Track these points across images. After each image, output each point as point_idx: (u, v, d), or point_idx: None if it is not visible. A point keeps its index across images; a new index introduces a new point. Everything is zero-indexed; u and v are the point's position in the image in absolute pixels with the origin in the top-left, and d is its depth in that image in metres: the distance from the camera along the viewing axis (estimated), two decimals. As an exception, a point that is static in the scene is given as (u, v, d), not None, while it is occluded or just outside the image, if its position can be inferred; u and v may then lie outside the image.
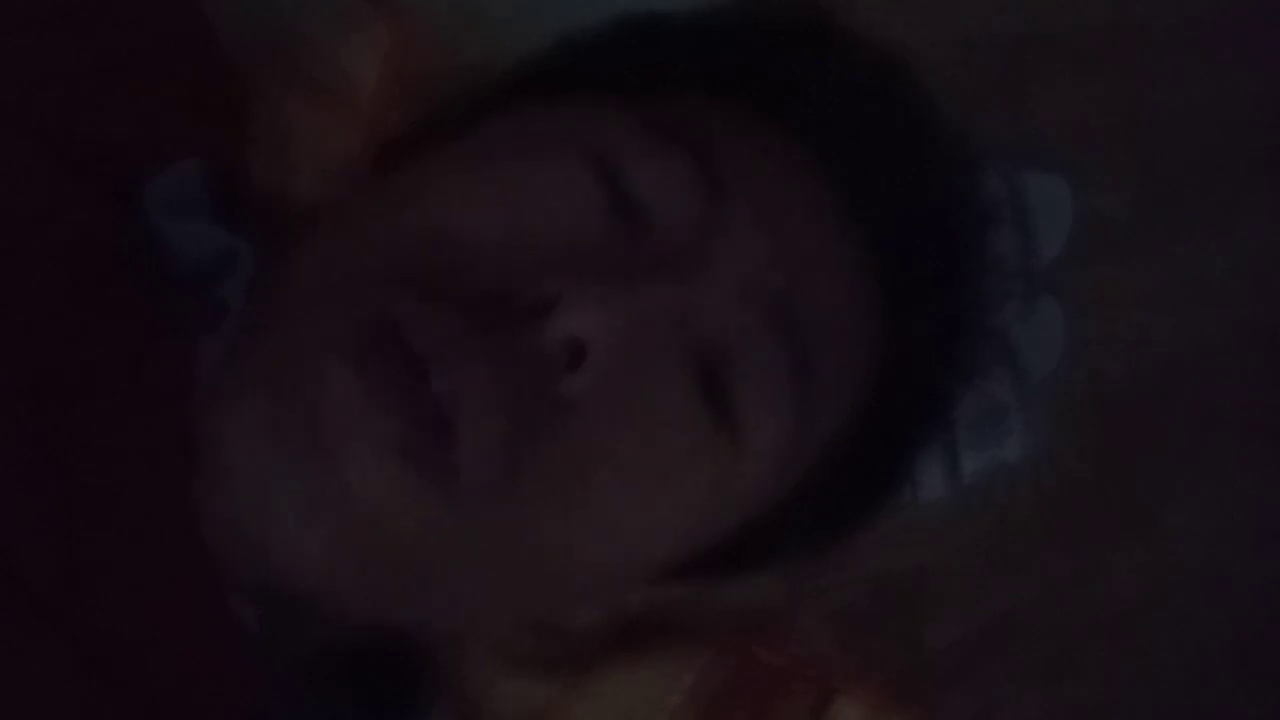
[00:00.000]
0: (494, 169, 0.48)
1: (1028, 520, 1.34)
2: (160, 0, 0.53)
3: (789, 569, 0.57)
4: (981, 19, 1.16)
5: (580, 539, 0.47)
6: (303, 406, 0.43)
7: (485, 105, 0.53)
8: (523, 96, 0.53)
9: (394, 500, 0.43)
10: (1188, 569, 1.60)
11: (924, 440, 0.56)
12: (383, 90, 0.55)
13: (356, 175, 0.53)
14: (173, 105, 0.51)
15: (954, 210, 0.53)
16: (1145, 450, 1.46)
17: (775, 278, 0.48)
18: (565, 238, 0.46)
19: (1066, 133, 1.26)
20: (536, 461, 0.44)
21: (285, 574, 0.47)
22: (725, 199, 0.47)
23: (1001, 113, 1.17)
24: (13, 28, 0.49)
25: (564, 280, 0.44)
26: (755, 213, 0.48)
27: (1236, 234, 1.52)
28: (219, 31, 0.53)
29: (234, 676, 0.48)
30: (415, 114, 0.55)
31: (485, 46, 0.59)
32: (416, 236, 0.46)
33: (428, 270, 0.45)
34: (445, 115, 0.54)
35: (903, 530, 0.57)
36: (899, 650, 1.21)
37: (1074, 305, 1.23)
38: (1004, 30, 1.19)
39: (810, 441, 0.50)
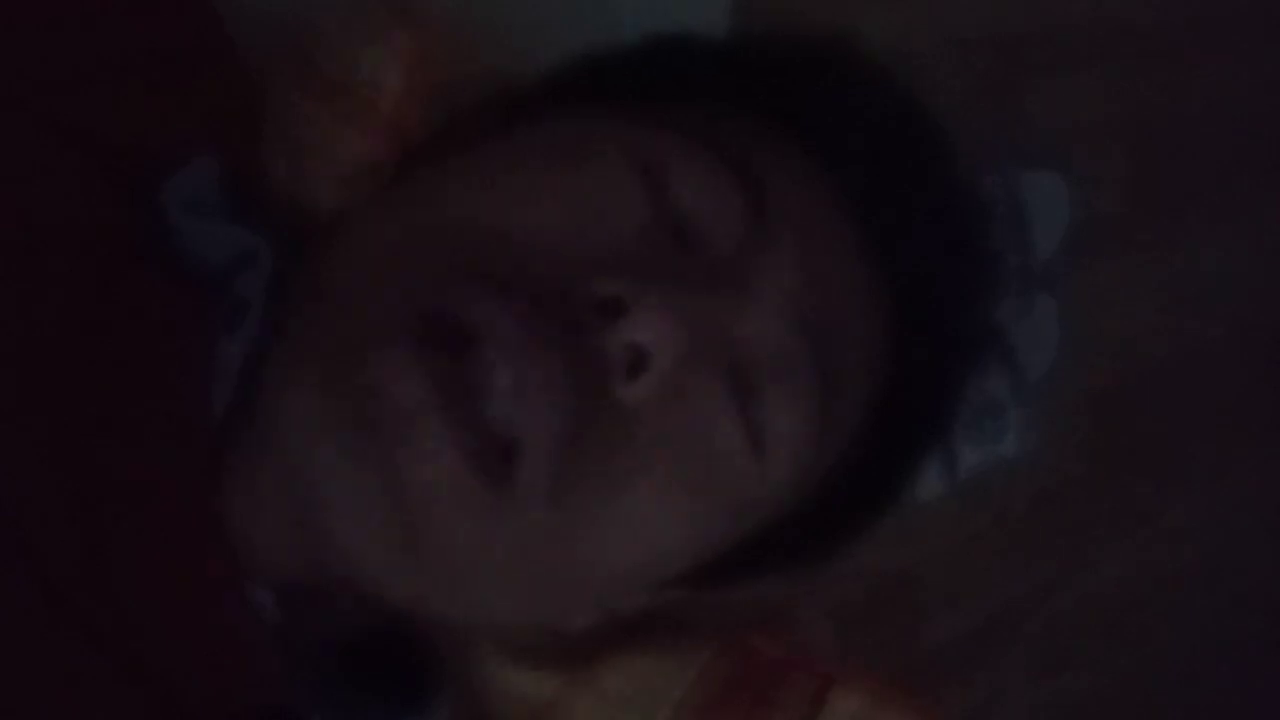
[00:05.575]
0: (546, 169, 0.48)
1: (1023, 517, 1.34)
2: (175, 1, 0.54)
3: (790, 572, 0.58)
4: (979, 18, 1.17)
5: (613, 543, 0.48)
6: (359, 395, 0.43)
7: (529, 104, 0.54)
8: (566, 101, 0.53)
9: (450, 495, 0.44)
10: (1182, 565, 1.60)
11: (925, 453, 0.57)
12: (406, 96, 0.56)
13: (375, 178, 0.54)
14: (190, 104, 0.52)
15: (968, 244, 0.55)
16: (1141, 447, 1.47)
17: (811, 299, 0.49)
18: (618, 241, 0.46)
19: (1063, 132, 1.26)
20: (586, 470, 0.45)
21: (330, 561, 0.47)
22: (767, 218, 0.48)
23: (998, 111, 1.18)
24: (30, 28, 0.49)
25: (626, 284, 0.44)
26: (794, 235, 0.49)
27: (1233, 233, 1.53)
28: (236, 32, 0.54)
29: (248, 664, 0.49)
30: (437, 119, 0.56)
31: (506, 54, 0.60)
32: (472, 230, 0.46)
33: (486, 263, 0.45)
34: (486, 112, 0.54)
35: (898, 527, 0.58)
36: (895, 646, 1.22)
37: (1070, 303, 1.24)
38: (1001, 30, 1.19)
39: (827, 454, 0.51)
